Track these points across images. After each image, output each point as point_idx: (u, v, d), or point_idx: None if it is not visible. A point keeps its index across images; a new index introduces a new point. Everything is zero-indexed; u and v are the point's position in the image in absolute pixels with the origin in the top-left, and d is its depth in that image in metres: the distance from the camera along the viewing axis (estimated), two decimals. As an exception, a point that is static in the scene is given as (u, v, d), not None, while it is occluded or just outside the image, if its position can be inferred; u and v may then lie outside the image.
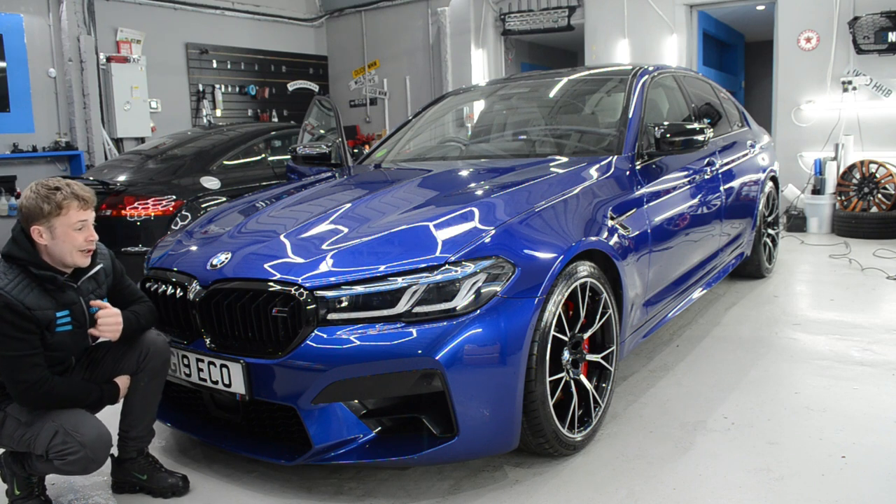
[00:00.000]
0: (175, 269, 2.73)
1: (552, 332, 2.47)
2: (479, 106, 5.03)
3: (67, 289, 2.32)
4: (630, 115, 3.61)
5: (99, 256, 2.45)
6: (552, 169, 3.24)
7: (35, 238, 2.25)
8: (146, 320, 2.50)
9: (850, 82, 7.56)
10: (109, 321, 2.36)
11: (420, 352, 2.23)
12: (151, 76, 9.86)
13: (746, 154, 4.88)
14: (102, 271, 2.47)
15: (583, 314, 2.70)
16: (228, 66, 11.16)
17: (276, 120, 11.59)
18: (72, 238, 2.26)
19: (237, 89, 11.29)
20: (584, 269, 2.67)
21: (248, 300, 2.41)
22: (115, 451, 2.54)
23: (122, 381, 2.45)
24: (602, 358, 2.82)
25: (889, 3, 7.27)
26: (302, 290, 2.33)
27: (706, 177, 4.04)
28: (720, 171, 4.27)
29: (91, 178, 5.70)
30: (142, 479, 2.53)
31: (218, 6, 10.87)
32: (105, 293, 2.48)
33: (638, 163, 3.41)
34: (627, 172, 3.31)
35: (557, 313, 2.49)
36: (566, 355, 2.61)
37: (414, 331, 2.25)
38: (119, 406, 2.53)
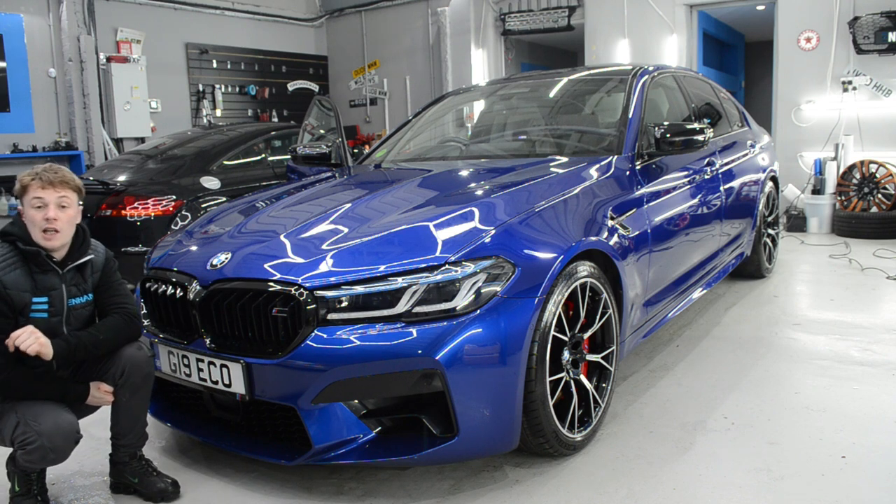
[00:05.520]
0: (175, 269, 2.73)
1: (552, 332, 2.46)
2: (479, 106, 5.03)
3: (50, 272, 2.34)
4: (630, 115, 3.61)
5: (91, 250, 2.46)
6: (552, 169, 3.24)
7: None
8: (106, 336, 2.39)
9: (850, 82, 7.56)
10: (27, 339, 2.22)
11: (420, 352, 2.23)
12: (151, 76, 9.86)
13: (746, 154, 4.88)
14: (90, 265, 2.46)
15: (583, 314, 2.70)
16: (228, 66, 11.17)
17: (276, 120, 11.59)
18: (31, 216, 2.32)
19: (237, 89, 11.29)
20: (584, 269, 2.67)
21: (248, 300, 2.41)
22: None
23: (96, 387, 2.39)
24: (602, 358, 2.82)
25: (889, 3, 7.27)
26: (302, 290, 2.33)
27: (706, 177, 4.04)
28: (720, 171, 4.27)
29: (91, 178, 5.70)
30: (133, 482, 2.53)
31: (218, 6, 10.87)
32: (90, 289, 2.47)
33: (638, 163, 3.41)
34: (627, 172, 3.31)
35: (557, 313, 2.49)
36: (566, 355, 2.61)
37: (414, 331, 2.25)
38: (109, 411, 2.52)
